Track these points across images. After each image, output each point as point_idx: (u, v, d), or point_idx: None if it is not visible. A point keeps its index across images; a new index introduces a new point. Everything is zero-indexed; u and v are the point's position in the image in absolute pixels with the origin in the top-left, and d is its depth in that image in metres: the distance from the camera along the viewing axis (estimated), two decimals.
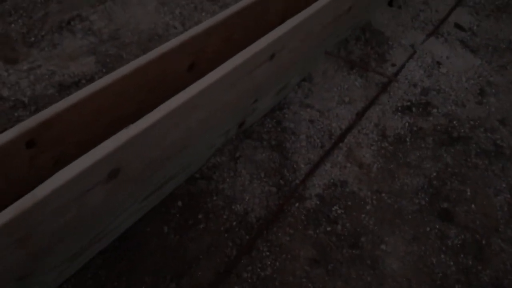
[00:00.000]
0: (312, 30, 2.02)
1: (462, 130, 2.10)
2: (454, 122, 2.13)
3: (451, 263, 1.61)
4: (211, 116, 1.67)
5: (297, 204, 1.73)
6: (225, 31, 1.91)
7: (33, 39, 2.29)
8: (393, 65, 2.39)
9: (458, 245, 1.67)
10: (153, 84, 1.70)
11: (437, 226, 1.72)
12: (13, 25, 2.35)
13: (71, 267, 1.43)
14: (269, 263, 1.55)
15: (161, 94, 1.53)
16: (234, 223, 1.64)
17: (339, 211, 1.73)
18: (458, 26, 2.70)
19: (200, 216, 1.65)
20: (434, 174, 1.90)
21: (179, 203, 1.67)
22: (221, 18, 1.87)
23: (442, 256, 1.63)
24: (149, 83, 1.68)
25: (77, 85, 2.06)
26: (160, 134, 1.45)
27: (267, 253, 1.57)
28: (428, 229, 1.71)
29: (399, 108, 2.17)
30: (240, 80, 1.71)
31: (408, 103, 2.20)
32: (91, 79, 2.10)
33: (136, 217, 1.60)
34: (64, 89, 2.03)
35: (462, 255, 1.64)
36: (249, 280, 1.50)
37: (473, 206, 1.80)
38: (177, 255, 1.53)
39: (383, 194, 1.81)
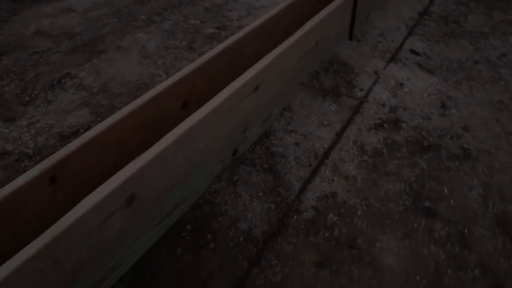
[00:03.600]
0: (287, 63, 2.26)
1: (431, 139, 2.33)
2: (423, 132, 2.37)
3: (441, 252, 1.78)
4: (209, 144, 1.84)
5: (295, 217, 1.89)
6: (210, 71, 2.12)
7: (27, 98, 2.44)
8: (361, 89, 2.65)
9: (444, 236, 1.85)
10: (151, 122, 1.87)
11: (423, 222, 1.90)
12: (6, 87, 2.50)
13: None
14: (278, 270, 1.68)
15: (160, 130, 1.69)
16: (241, 239, 1.78)
17: (334, 219, 1.89)
18: (413, 51, 3.02)
19: (209, 236, 1.78)
20: (413, 178, 2.10)
21: (188, 227, 1.80)
22: (205, 60, 2.09)
23: (432, 247, 1.80)
24: (148, 121, 1.85)
25: (76, 134, 2.20)
26: (166, 162, 1.61)
27: (275, 261, 1.71)
28: (415, 225, 1.88)
29: (373, 125, 2.40)
30: (232, 110, 1.90)
31: (380, 121, 2.43)
32: (88, 128, 2.24)
33: (149, 243, 1.71)
34: (65, 138, 2.16)
35: (449, 245, 1.81)
36: (263, 287, 1.62)
37: (451, 202, 2.00)
38: (192, 275, 1.64)
39: (371, 200, 1.98)
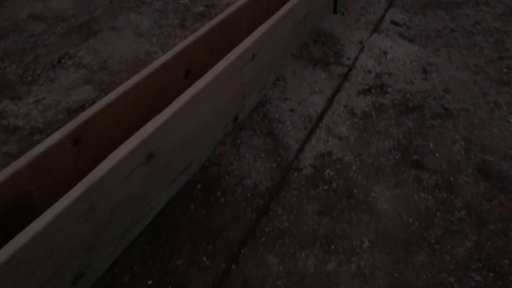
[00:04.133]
0: (280, 33, 2.40)
1: (415, 101, 2.51)
2: (408, 95, 2.55)
3: (430, 198, 1.96)
4: (213, 110, 1.98)
5: (296, 174, 2.05)
6: (210, 42, 2.25)
7: (30, 78, 2.53)
8: (348, 58, 2.81)
9: (432, 184, 2.03)
10: (159, 90, 2.00)
11: (413, 173, 2.08)
12: (8, 69, 2.59)
13: (120, 245, 1.65)
14: (284, 218, 1.84)
15: (167, 99, 1.81)
16: (248, 194, 1.93)
17: (331, 174, 2.06)
18: (394, 22, 3.19)
19: (218, 193, 1.92)
20: (401, 136, 2.28)
21: (198, 186, 1.94)
22: (205, 30, 2.21)
23: (422, 194, 1.98)
24: (156, 89, 1.98)
25: (82, 108, 2.31)
26: (180, 123, 1.74)
27: (281, 212, 1.87)
28: (405, 176, 2.06)
29: (361, 91, 2.57)
30: (232, 78, 2.04)
31: (367, 86, 2.60)
32: (93, 103, 2.35)
33: (164, 201, 1.85)
34: (72, 113, 2.27)
35: (437, 191, 2.00)
36: (272, 233, 1.78)
37: (437, 154, 2.18)
38: (207, 225, 1.80)
39: (364, 156, 2.15)
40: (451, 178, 2.06)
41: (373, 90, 2.58)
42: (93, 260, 1.51)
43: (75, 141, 1.61)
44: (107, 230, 1.53)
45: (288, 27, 2.50)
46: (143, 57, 2.73)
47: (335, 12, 3.18)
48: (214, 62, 1.99)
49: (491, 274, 1.67)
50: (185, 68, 2.14)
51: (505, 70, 2.79)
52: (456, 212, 1.90)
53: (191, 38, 2.17)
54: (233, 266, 1.65)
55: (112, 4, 3.28)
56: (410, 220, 1.86)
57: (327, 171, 2.07)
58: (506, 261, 1.71)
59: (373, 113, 2.42)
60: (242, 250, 1.71)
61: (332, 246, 1.74)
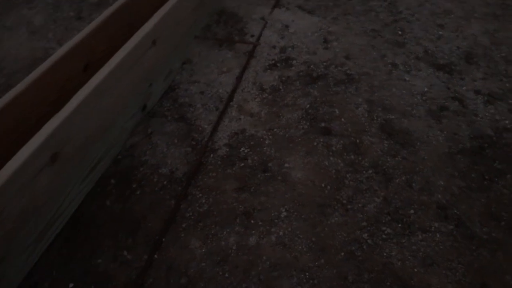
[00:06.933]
0: (180, 16, 2.37)
1: (319, 70, 2.61)
2: (312, 66, 2.63)
3: (339, 161, 2.07)
4: (117, 101, 1.94)
5: (211, 155, 2.07)
6: (108, 32, 2.18)
7: None
8: (252, 35, 2.85)
9: (341, 148, 2.14)
10: (59, 87, 1.92)
11: (322, 140, 2.17)
12: None
13: (36, 250, 1.60)
14: (204, 201, 1.86)
15: (68, 96, 1.74)
16: (165, 182, 1.93)
17: (246, 151, 2.10)
18: None
19: (134, 186, 1.90)
20: (308, 105, 2.36)
21: (112, 181, 1.91)
22: (100, 21, 2.14)
23: (331, 158, 2.08)
24: (56, 85, 1.90)
25: None
26: (82, 118, 1.69)
27: (200, 195, 1.89)
28: (315, 143, 2.15)
29: (267, 66, 2.62)
30: (133, 66, 2.00)
31: (273, 61, 2.66)
32: None
33: (79, 200, 1.81)
34: None
35: (345, 154, 2.11)
36: (192, 217, 1.80)
37: (343, 119, 2.29)
38: (125, 218, 1.78)
39: (275, 130, 2.21)
40: (357, 140, 2.18)
41: (279, 64, 2.64)
42: (5, 270, 1.45)
43: None
44: (18, 237, 1.47)
45: (188, 9, 2.47)
46: (40, 55, 2.60)
47: None
48: (114, 52, 1.94)
49: (400, 225, 1.81)
50: (83, 61, 2.06)
51: (400, 32, 2.97)
52: (364, 172, 2.02)
53: (86, 30, 2.09)
54: (156, 255, 1.65)
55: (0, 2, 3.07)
56: (323, 185, 1.96)
57: (242, 148, 2.11)
58: (412, 211, 1.86)
59: (281, 87, 2.48)
60: (164, 239, 1.71)
61: (252, 221, 1.80)
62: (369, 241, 1.74)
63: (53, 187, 1.59)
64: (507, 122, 2.29)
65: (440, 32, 2.96)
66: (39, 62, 2.52)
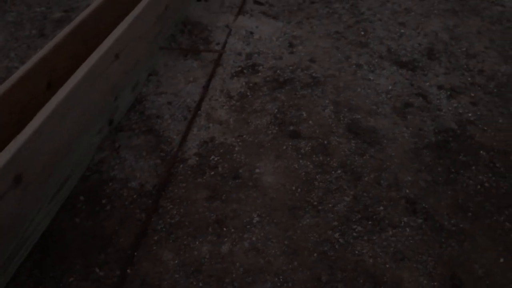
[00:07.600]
0: (142, 29, 2.37)
1: (286, 75, 2.63)
2: (278, 71, 2.66)
3: (309, 163, 2.09)
4: (81, 118, 1.91)
5: (181, 165, 2.06)
6: (70, 48, 2.16)
7: None
8: (218, 43, 2.86)
9: (309, 150, 2.16)
10: (20, 107, 1.89)
11: (290, 143, 2.19)
12: None
13: (5, 274, 1.56)
14: (175, 212, 1.85)
15: (31, 115, 1.72)
16: (135, 196, 1.91)
17: (216, 159, 2.10)
18: (257, 2, 3.29)
19: (103, 201, 1.88)
20: (276, 110, 2.38)
21: (81, 198, 1.88)
22: (61, 38, 2.12)
23: (301, 161, 2.10)
24: (17, 105, 1.87)
25: None
26: (46, 137, 1.67)
27: (171, 206, 1.88)
28: (284, 147, 2.17)
29: (234, 73, 2.63)
30: (96, 82, 1.98)
31: (239, 68, 2.67)
32: None
33: (48, 220, 1.77)
34: None
35: (314, 156, 2.13)
36: (164, 229, 1.79)
37: (310, 122, 2.31)
38: (96, 235, 1.75)
39: (244, 136, 2.22)
40: (325, 142, 2.21)
41: (245, 71, 2.65)
42: None
43: None
44: None
45: (150, 21, 2.47)
46: (3, 74, 2.55)
47: (198, 0, 3.20)
48: (77, 68, 1.92)
49: (370, 222, 1.83)
50: (46, 79, 2.04)
51: (362, 33, 3.02)
52: (333, 172, 2.05)
53: (47, 47, 2.06)
54: (128, 270, 1.64)
55: None
56: (294, 188, 1.97)
57: (212, 157, 2.12)
58: (381, 208, 1.89)
59: (249, 93, 2.50)
60: (136, 253, 1.70)
61: (225, 229, 1.80)
62: (340, 240, 1.76)
63: (19, 209, 1.56)
64: (470, 115, 2.35)
65: (402, 30, 3.02)
66: (1, 82, 2.49)
